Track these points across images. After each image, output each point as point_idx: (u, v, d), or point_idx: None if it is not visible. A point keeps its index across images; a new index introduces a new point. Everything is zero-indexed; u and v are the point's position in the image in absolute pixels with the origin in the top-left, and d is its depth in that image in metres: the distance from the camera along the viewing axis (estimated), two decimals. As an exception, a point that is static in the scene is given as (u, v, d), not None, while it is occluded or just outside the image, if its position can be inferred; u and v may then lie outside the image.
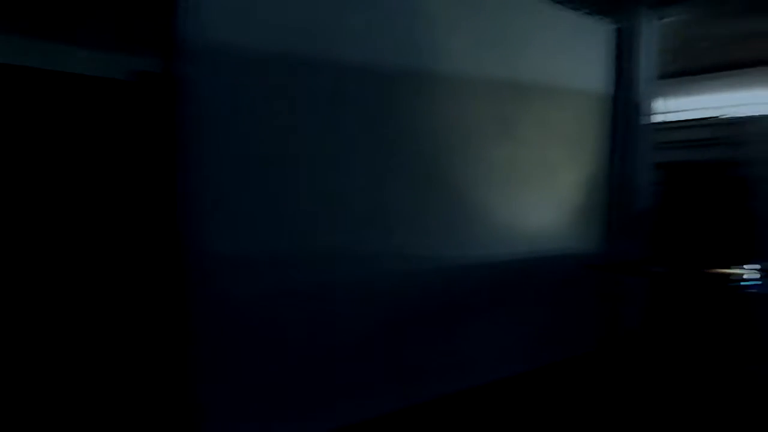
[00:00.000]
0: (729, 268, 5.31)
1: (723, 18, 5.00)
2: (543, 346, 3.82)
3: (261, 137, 2.51)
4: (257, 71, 2.48)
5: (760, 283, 5.38)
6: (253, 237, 2.51)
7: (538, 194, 3.77)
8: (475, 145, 3.37)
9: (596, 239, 4.15)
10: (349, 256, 2.86)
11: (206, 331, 2.37)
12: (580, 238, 4.06)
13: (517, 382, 3.52)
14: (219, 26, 2.34)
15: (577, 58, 3.99)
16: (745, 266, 5.33)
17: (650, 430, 2.96)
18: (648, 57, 4.34)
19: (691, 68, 6.15)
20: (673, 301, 4.95)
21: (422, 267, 3.16)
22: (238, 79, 2.42)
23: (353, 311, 2.88)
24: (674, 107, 6.09)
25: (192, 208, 2.32)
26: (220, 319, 2.41)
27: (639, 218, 4.30)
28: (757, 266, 5.39)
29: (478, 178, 3.40)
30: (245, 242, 2.48)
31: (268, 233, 2.56)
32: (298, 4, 2.58)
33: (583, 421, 3.04)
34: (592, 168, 4.14)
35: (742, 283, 5.17)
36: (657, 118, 4.55)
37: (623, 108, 4.29)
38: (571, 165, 4.00)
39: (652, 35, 4.37)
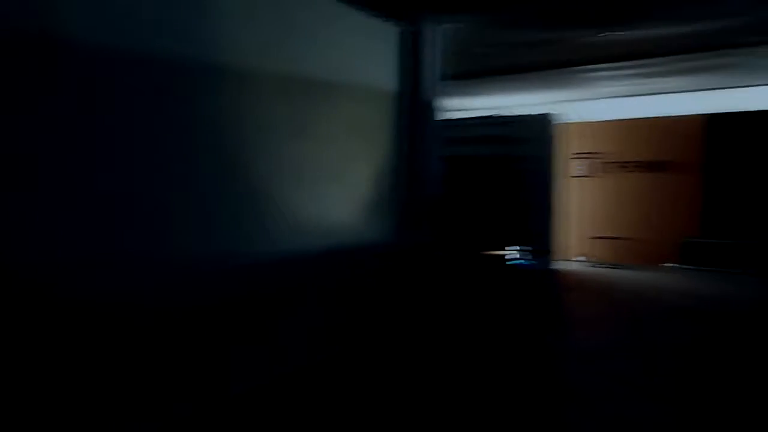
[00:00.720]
0: (502, 249, 6.14)
1: (502, 27, 5.63)
2: (338, 334, 3.97)
3: (13, 132, 2.15)
4: (9, 59, 2.12)
5: (530, 261, 6.32)
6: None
7: (335, 189, 3.86)
8: (273, 142, 3.32)
9: (388, 229, 4.41)
10: (136, 259, 2.60)
11: None
12: (374, 228, 4.27)
13: (312, 371, 3.60)
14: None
15: (368, 58, 4.15)
16: (516, 248, 6.22)
17: (446, 405, 3.25)
18: (434, 59, 4.70)
19: (476, 71, 6.85)
20: (456, 281, 5.53)
21: (221, 267, 3.03)
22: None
23: (136, 319, 2.63)
24: (461, 106, 6.78)
25: None
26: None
27: (427, 209, 4.68)
28: (528, 248, 6.33)
29: (277, 175, 3.35)
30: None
31: (23, 240, 2.21)
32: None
33: (373, 403, 3.23)
34: (385, 162, 4.37)
35: (512, 262, 6.02)
36: (445, 116, 4.97)
37: (413, 106, 4.59)
38: (365, 160, 4.16)
39: (438, 39, 4.74)
